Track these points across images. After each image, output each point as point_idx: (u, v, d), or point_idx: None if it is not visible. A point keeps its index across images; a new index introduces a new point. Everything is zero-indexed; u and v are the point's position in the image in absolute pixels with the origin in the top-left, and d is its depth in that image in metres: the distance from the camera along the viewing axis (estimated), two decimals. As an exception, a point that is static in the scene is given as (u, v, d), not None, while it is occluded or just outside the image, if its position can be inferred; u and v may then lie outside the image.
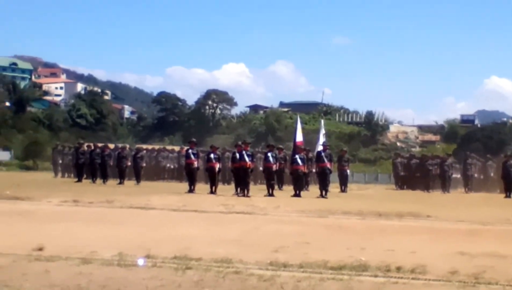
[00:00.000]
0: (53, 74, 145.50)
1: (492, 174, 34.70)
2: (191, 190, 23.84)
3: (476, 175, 35.27)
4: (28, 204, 16.53)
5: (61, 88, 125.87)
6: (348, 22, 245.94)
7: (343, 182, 29.51)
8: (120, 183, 29.45)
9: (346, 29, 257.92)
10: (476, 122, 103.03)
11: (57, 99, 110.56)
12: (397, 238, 11.13)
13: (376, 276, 7.31)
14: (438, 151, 67.12)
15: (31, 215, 13.59)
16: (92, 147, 32.98)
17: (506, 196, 27.86)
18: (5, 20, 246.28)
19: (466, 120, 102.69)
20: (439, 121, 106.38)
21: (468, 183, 34.38)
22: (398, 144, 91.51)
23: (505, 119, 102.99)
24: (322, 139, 30.53)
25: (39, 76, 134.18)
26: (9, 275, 6.92)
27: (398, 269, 7.65)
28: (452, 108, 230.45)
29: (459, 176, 36.21)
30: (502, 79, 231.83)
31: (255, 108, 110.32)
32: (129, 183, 29.67)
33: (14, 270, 7.22)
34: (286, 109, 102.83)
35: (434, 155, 39.32)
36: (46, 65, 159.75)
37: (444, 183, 32.73)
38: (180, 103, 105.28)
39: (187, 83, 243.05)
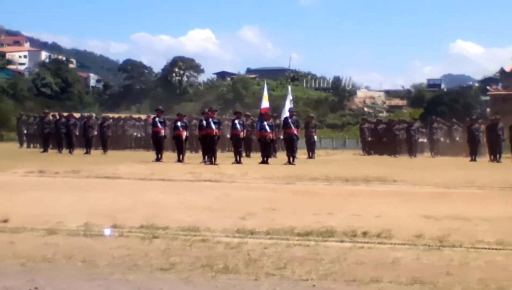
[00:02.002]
0: (17, 42, 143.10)
1: (457, 138, 35.06)
2: (158, 159, 23.80)
3: (442, 139, 35.65)
4: (-7, 175, 16.35)
5: (25, 56, 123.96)
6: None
7: (311, 148, 29.59)
8: (87, 152, 29.29)
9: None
10: (443, 86, 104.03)
11: (21, 68, 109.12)
12: (363, 203, 11.22)
13: (342, 241, 7.36)
14: (405, 116, 67.87)
15: (-4, 186, 13.46)
16: (57, 117, 32.67)
17: (472, 160, 28.19)
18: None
19: (433, 85, 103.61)
20: (406, 85, 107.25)
21: (434, 147, 34.78)
22: (366, 109, 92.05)
23: (470, 82, 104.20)
24: (289, 105, 30.53)
25: (2, 45, 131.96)
26: (-27, 247, 6.85)
27: (364, 234, 7.71)
28: (418, 72, 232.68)
29: (425, 140, 36.60)
30: (467, 43, 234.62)
31: (222, 74, 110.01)
32: (96, 153, 29.52)
33: (-22, 242, 7.15)
34: (253, 76, 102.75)
35: (401, 120, 39.72)
36: (9, 33, 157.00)
37: (411, 148, 33.05)
38: (146, 71, 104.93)
39: (153, 50, 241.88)
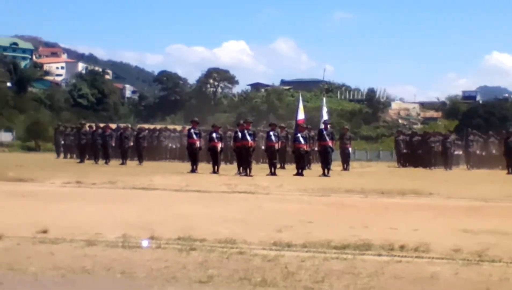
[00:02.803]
0: (54, 54, 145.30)
1: (494, 151, 34.67)
2: (193, 170, 23.86)
3: (478, 151, 35.29)
4: (31, 185, 16.54)
5: (62, 67, 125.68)
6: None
7: (345, 160, 29.55)
8: (123, 163, 29.50)
9: (348, 4, 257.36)
10: (478, 98, 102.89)
11: (58, 79, 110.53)
12: (400, 216, 11.16)
13: (379, 255, 7.32)
14: (440, 128, 67.27)
15: (35, 196, 13.61)
16: (94, 128, 33.03)
17: (508, 173, 27.91)
18: (6, 0, 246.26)
19: (468, 97, 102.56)
20: (441, 97, 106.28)
21: (470, 160, 34.46)
22: (400, 121, 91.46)
23: (506, 95, 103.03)
24: (324, 117, 30.48)
25: (40, 56, 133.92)
26: (14, 258, 6.94)
27: (402, 247, 7.66)
28: (453, 84, 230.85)
29: (461, 153, 36.26)
30: (503, 55, 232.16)
31: (256, 86, 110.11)
32: (132, 163, 29.72)
33: (18, 253, 7.24)
34: (287, 87, 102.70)
35: (436, 132, 39.40)
36: (47, 44, 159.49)
37: (446, 160, 32.77)
38: (181, 82, 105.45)
39: (188, 61, 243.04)
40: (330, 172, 23.73)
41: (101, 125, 34.44)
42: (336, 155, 27.74)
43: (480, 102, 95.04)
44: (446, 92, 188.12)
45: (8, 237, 8.06)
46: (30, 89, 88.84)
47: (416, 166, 33.67)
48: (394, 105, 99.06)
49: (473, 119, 70.48)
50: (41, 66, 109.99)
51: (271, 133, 24.48)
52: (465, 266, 6.77)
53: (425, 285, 6.05)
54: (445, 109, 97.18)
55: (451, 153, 33.45)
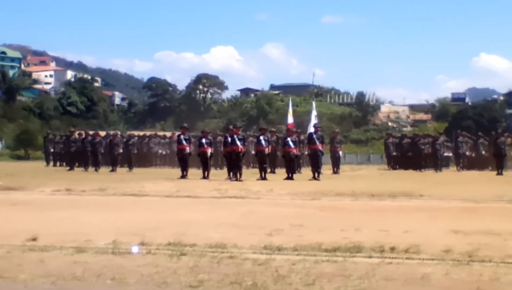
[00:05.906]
0: (43, 62, 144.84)
1: (483, 152, 34.80)
2: (183, 176, 23.84)
3: (467, 153, 35.38)
4: (21, 194, 16.51)
5: (50, 76, 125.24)
6: (337, 0, 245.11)
7: (336, 164, 29.57)
8: (113, 170, 29.45)
9: (337, 8, 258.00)
10: (467, 100, 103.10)
11: (47, 87, 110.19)
12: (390, 218, 11.17)
13: (370, 257, 7.32)
14: (429, 130, 67.30)
15: (24, 205, 13.56)
16: (83, 135, 32.95)
17: (498, 173, 27.99)
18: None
19: (457, 99, 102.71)
20: (430, 100, 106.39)
21: (460, 162, 34.54)
22: (390, 124, 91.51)
23: (495, 96, 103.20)
24: (313, 121, 30.53)
25: (28, 65, 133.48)
26: (4, 266, 6.91)
27: (392, 249, 7.66)
28: (443, 86, 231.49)
29: (450, 154, 36.37)
30: (491, 56, 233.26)
31: (246, 91, 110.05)
32: (122, 170, 29.66)
33: (8, 261, 7.20)
34: (277, 92, 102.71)
35: (426, 134, 39.50)
36: (35, 53, 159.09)
37: (436, 162, 32.86)
38: (170, 88, 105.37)
39: (177, 68, 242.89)
40: (321, 175, 23.74)
41: (91, 132, 34.33)
42: (326, 158, 27.76)
43: (469, 103, 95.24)
44: (435, 94, 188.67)
45: (-3, 245, 8.03)
46: (19, 97, 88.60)
47: (406, 168, 33.76)
48: (384, 108, 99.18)
49: (462, 121, 70.62)
50: (29, 74, 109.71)
51: (261, 137, 24.47)
52: (456, 267, 6.77)
53: (416, 286, 6.05)
54: (434, 112, 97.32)
55: (441, 155, 33.54)
